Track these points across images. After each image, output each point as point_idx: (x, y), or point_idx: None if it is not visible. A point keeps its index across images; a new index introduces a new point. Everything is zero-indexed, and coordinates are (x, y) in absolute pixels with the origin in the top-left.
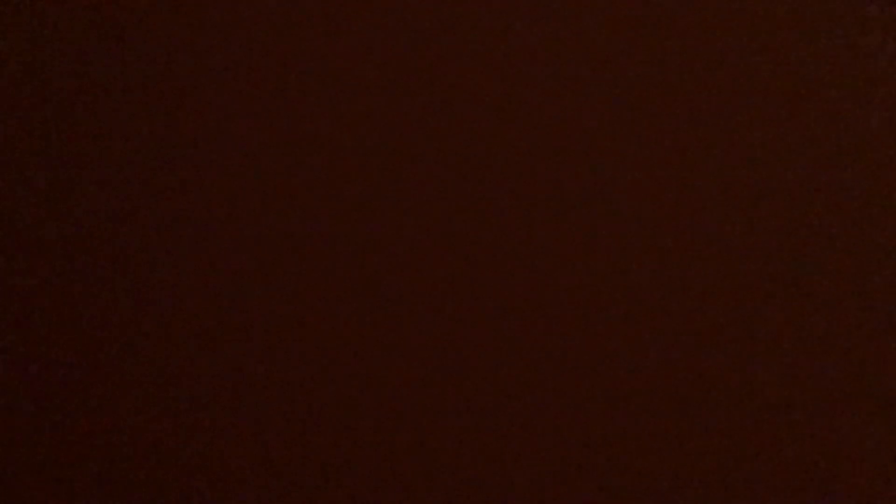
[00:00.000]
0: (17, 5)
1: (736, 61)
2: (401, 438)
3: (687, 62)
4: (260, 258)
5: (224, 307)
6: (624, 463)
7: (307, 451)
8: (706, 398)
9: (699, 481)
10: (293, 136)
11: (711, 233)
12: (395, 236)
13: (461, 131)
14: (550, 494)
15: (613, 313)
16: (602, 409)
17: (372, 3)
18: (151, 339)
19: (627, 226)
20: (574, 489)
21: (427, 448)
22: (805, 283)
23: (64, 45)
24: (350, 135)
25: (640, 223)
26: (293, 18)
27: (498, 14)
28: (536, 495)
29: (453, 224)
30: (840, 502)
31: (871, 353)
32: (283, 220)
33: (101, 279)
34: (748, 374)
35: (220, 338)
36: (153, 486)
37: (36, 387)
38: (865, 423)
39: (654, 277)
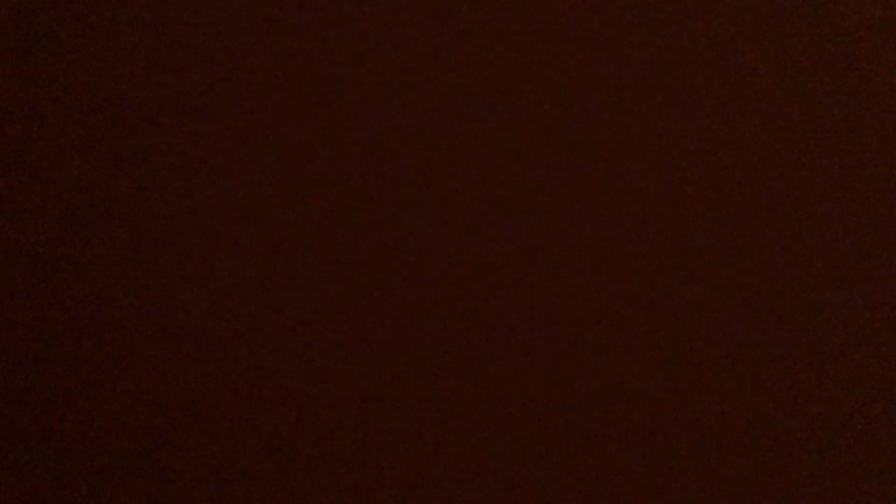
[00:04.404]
0: (17, 5)
1: (736, 61)
2: (401, 439)
3: (686, 62)
4: (259, 258)
5: (224, 307)
6: (624, 463)
7: (306, 451)
8: (705, 399)
9: (699, 481)
10: (293, 136)
11: (711, 232)
12: (396, 237)
13: (461, 132)
14: (550, 495)
15: (613, 313)
16: (602, 409)
17: (372, 3)
18: (151, 339)
19: (627, 226)
20: (574, 489)
21: (427, 448)
22: (804, 282)
23: (63, 44)
24: (350, 134)
25: (640, 222)
26: (294, 18)
27: (497, 14)
28: (536, 495)
29: (453, 224)
30: (841, 502)
31: (870, 353)
32: (284, 221)
33: (102, 279)
34: (748, 375)
35: (219, 338)
36: (152, 486)
37: (36, 387)
38: (865, 424)
39: (654, 277)
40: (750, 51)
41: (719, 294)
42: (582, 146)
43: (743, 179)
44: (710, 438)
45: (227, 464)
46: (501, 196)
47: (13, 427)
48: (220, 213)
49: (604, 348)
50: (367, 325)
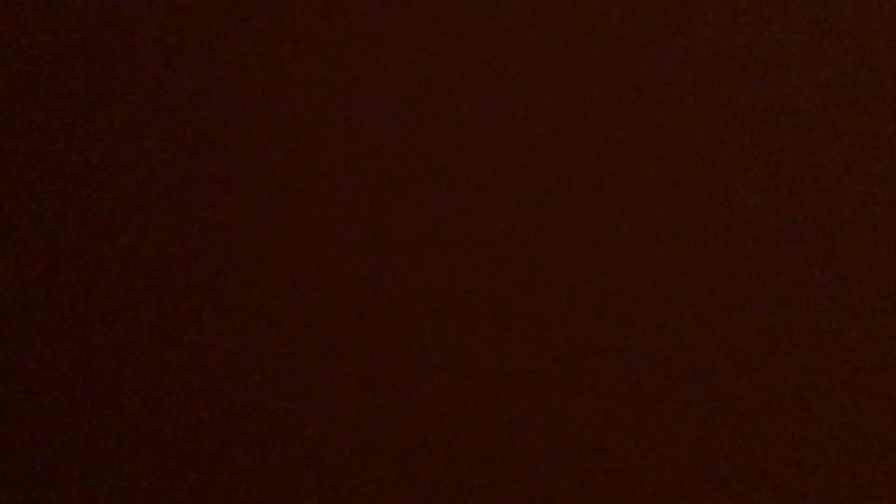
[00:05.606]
0: (17, 5)
1: (736, 60)
2: (401, 439)
3: (686, 62)
4: (260, 258)
5: (223, 307)
6: (624, 463)
7: (307, 451)
8: (705, 399)
9: (698, 482)
10: (293, 137)
11: (710, 232)
12: (396, 237)
13: (461, 132)
14: (549, 495)
15: (613, 314)
16: (602, 409)
17: (372, 3)
18: (152, 339)
19: (628, 226)
20: (573, 489)
21: (427, 448)
22: (804, 283)
23: (63, 44)
24: (352, 135)
25: (640, 223)
26: (294, 18)
27: (497, 14)
28: (535, 495)
29: (454, 224)
30: (839, 502)
31: (870, 353)
32: (285, 220)
33: (102, 278)
34: (747, 375)
35: (220, 338)
36: (152, 486)
37: (36, 387)
38: (865, 424)
39: (655, 278)
40: (750, 51)
41: (719, 294)
42: (582, 146)
43: (742, 180)
44: (710, 438)
45: (227, 464)
46: (501, 196)
47: (12, 427)
48: (219, 212)
49: (603, 348)
50: (366, 325)
